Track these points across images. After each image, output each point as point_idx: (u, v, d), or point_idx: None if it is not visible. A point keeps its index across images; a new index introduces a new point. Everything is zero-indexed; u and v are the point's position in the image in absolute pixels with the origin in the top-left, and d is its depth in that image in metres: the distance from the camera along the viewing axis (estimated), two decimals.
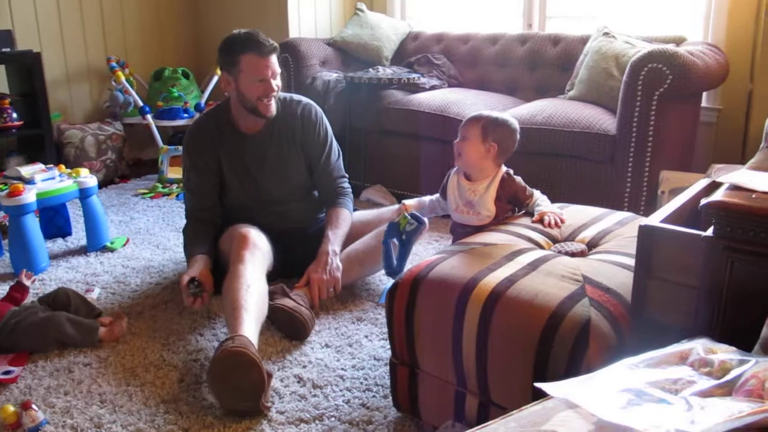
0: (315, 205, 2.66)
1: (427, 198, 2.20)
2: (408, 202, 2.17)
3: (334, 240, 2.40)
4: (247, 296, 1.98)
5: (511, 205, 2.06)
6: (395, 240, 2.02)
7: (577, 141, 2.90)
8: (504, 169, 2.05)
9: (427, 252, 2.85)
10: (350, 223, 2.53)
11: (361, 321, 2.23)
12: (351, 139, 3.66)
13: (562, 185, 2.94)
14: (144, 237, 3.11)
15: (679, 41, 3.22)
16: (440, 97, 3.46)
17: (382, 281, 2.57)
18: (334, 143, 2.64)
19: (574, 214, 2.03)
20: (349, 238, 2.50)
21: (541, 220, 1.92)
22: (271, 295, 2.19)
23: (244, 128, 2.45)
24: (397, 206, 2.35)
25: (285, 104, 2.51)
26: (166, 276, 2.66)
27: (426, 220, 2.06)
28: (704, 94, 3.28)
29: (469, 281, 1.52)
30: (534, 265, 1.58)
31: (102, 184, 3.97)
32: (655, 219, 1.34)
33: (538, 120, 3.01)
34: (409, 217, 2.00)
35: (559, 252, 1.75)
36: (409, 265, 2.52)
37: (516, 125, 2.06)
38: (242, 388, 1.71)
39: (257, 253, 2.20)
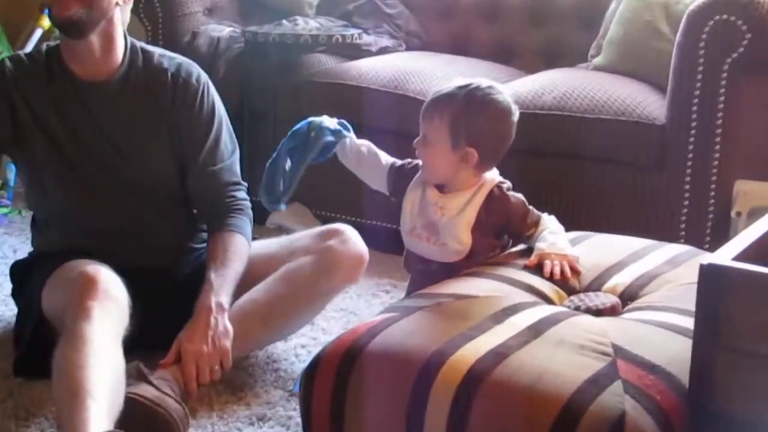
0: (190, 228, 2.63)
1: (380, 152, 2.20)
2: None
3: (221, 286, 2.34)
4: (96, 375, 1.93)
5: (502, 238, 2.05)
6: (289, 154, 2.11)
7: (606, 134, 2.90)
8: (494, 178, 2.04)
9: (368, 308, 2.81)
10: (247, 258, 2.48)
11: (263, 420, 2.17)
12: (251, 131, 3.61)
13: (581, 203, 2.93)
14: None
15: None
16: (394, 66, 3.45)
17: (299, 356, 2.52)
18: (226, 129, 2.59)
19: (600, 248, 2.04)
20: (245, 282, 2.44)
21: (539, 266, 1.91)
22: None
23: (80, 71, 2.43)
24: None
25: (149, 60, 2.50)
26: None
27: (351, 132, 2.13)
28: None
29: (434, 356, 1.50)
30: (537, 330, 1.57)
31: None
32: (726, 255, 1.35)
33: (547, 102, 3.01)
34: (323, 122, 2.07)
35: (578, 308, 1.75)
36: (341, 318, 2.61)
37: (509, 104, 2.02)
38: None
39: (111, 307, 2.12)
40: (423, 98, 3.05)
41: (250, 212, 2.58)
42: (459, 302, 1.70)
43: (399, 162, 2.19)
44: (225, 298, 2.31)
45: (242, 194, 2.58)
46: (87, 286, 2.12)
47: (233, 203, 2.53)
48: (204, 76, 2.56)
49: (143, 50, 2.53)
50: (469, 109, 1.97)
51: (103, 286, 2.13)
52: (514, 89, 3.08)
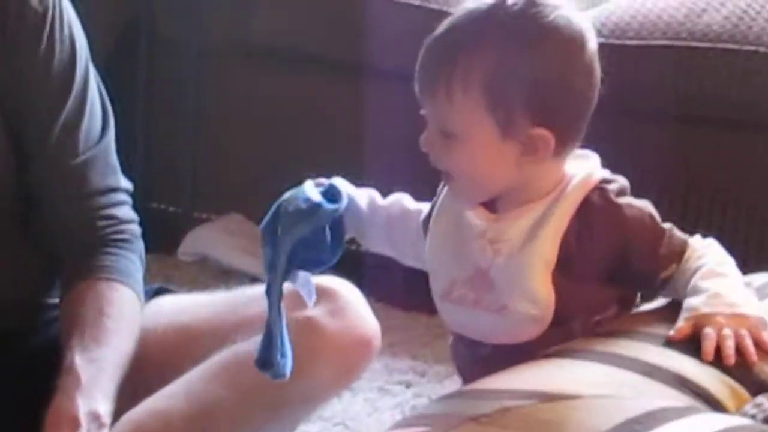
0: (47, 269, 2.37)
1: (389, 200, 1.89)
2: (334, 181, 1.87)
3: (94, 381, 2.03)
4: None
5: (617, 286, 1.72)
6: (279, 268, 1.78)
7: None
8: (590, 172, 1.67)
9: (370, 414, 2.69)
10: (139, 330, 2.18)
11: None
12: (152, 70, 3.40)
13: None
14: None
15: None
16: None
17: None
18: (94, 85, 2.32)
19: None
20: (144, 377, 2.17)
21: (696, 339, 1.60)
22: None
23: None
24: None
25: None
26: None
27: (346, 196, 1.82)
28: None
29: None
30: None
31: None
32: None
33: (699, 27, 2.78)
34: (309, 191, 1.77)
35: None
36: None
37: (579, 25, 1.67)
38: None
39: None
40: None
41: (142, 246, 2.28)
42: (546, 407, 1.44)
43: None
44: (104, 404, 1.99)
45: (126, 211, 2.28)
46: None
47: (112, 228, 2.23)
48: None
49: None
50: (520, 52, 1.61)
51: None
52: (639, 4, 2.90)
